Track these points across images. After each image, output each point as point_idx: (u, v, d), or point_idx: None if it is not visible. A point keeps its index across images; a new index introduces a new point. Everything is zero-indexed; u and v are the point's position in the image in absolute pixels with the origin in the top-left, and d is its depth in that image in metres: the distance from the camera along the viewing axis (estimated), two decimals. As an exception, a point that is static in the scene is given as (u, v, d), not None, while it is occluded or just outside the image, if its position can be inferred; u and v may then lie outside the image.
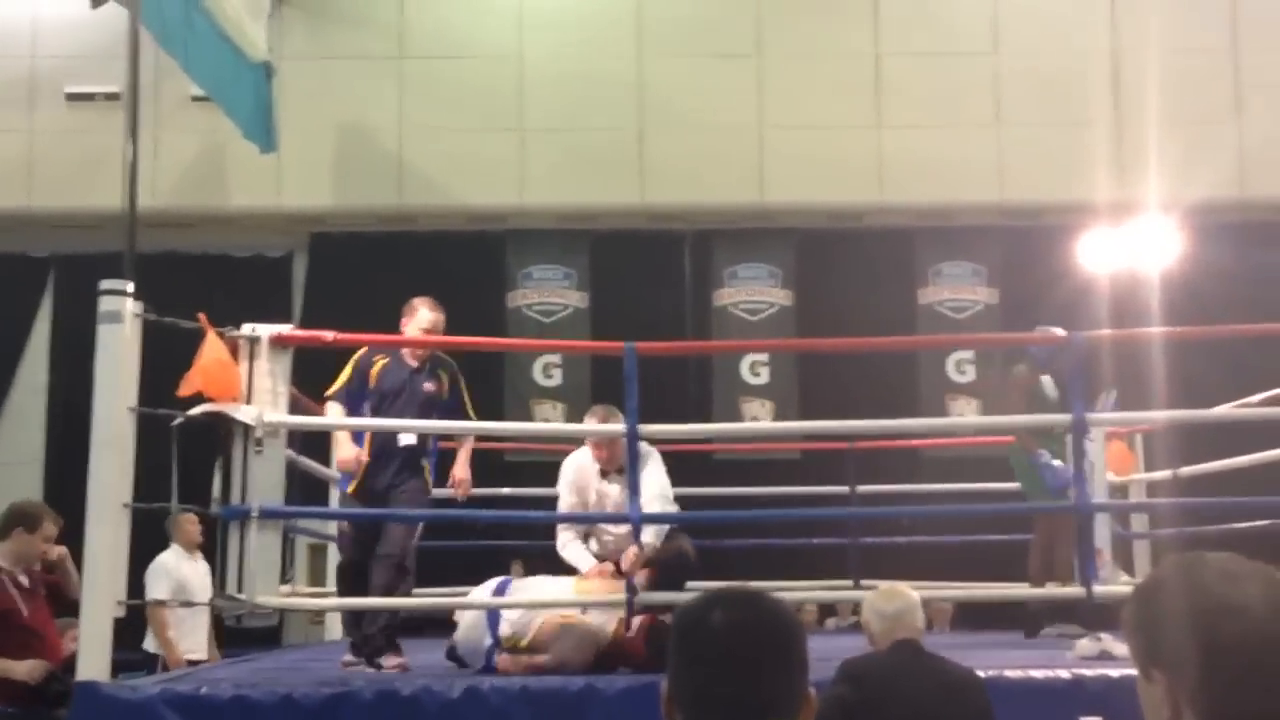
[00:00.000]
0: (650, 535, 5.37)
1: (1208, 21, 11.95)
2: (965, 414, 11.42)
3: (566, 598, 5.25)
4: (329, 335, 5.40)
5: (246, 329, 5.08)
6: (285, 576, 6.62)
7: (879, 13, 12.11)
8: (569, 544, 5.77)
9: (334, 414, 5.75)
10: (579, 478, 5.87)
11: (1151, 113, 10.99)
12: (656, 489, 5.46)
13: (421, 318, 5.92)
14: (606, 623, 5.15)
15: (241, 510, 4.86)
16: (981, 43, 12.01)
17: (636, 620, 5.07)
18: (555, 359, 11.83)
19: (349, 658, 5.58)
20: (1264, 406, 6.96)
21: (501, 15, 12.13)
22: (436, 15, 12.14)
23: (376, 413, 5.71)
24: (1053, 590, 5.98)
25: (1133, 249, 10.58)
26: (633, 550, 5.18)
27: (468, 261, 11.87)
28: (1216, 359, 9.49)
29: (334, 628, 8.01)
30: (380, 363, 5.85)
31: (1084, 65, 11.66)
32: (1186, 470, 7.65)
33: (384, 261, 11.71)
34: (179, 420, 4.88)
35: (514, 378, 11.75)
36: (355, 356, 5.86)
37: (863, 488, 8.10)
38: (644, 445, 5.53)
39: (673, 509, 5.65)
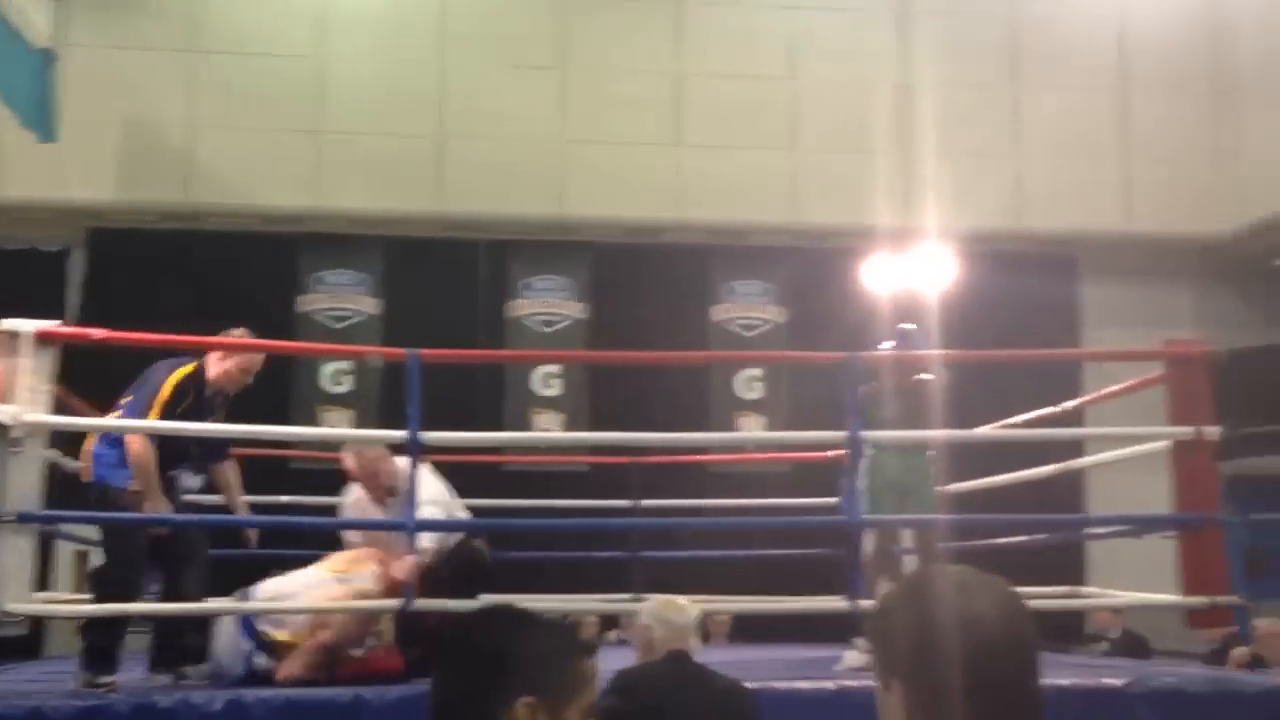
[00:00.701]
0: (426, 541, 5.32)
1: (987, 58, 12.50)
2: (753, 431, 11.63)
3: (323, 578, 5.20)
4: (97, 333, 5.20)
5: (6, 324, 4.85)
6: (44, 584, 6.35)
7: (681, 32, 12.30)
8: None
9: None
10: (357, 512, 5.82)
11: (933, 142, 11.46)
12: (426, 496, 5.39)
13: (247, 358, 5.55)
14: (372, 584, 5.11)
15: (-5, 514, 4.63)
16: (779, 68, 12.30)
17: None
18: (346, 366, 11.64)
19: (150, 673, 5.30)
20: (1027, 428, 7.25)
21: (301, 14, 11.91)
22: (232, 10, 11.85)
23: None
24: (819, 603, 6.11)
25: (913, 273, 10.96)
26: (409, 559, 5.12)
27: (258, 264, 11.58)
28: (987, 381, 9.89)
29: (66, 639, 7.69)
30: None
31: (873, 95, 12.05)
32: (956, 487, 7.93)
33: (169, 260, 11.36)
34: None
35: (302, 383, 11.51)
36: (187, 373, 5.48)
37: (647, 501, 8.17)
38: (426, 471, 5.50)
39: (445, 515, 5.59)
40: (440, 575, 5.36)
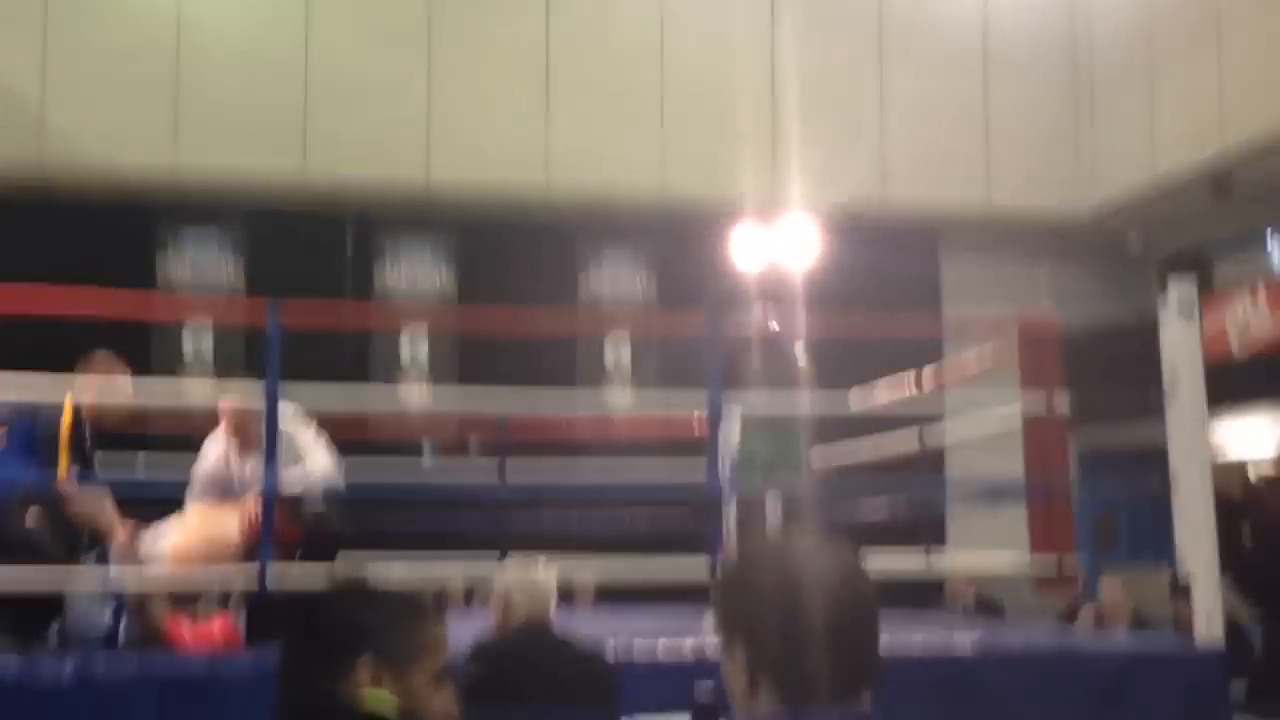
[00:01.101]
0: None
1: (855, 36, 12.66)
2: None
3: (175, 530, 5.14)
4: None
5: None
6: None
7: (551, 3, 12.22)
8: None
9: None
10: (217, 466, 5.72)
11: (799, 117, 11.61)
12: (320, 455, 5.40)
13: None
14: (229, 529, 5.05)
15: None
16: (648, 40, 12.31)
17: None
18: (207, 332, 11.39)
19: None
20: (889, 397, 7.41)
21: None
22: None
23: None
24: (678, 566, 6.17)
25: (779, 247, 11.10)
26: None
27: (114, 229, 11.25)
28: (850, 354, 10.07)
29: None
30: None
31: (741, 69, 12.13)
32: (820, 458, 8.06)
33: (20, 228, 10.96)
34: None
35: (162, 348, 11.23)
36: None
37: (515, 467, 8.18)
38: (290, 412, 5.46)
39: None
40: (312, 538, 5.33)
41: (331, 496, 5.54)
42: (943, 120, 12.65)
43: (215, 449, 5.77)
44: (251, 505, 5.16)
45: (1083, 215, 12.76)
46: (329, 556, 5.22)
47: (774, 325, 7.17)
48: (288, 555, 5.08)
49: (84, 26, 11.29)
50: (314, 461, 5.51)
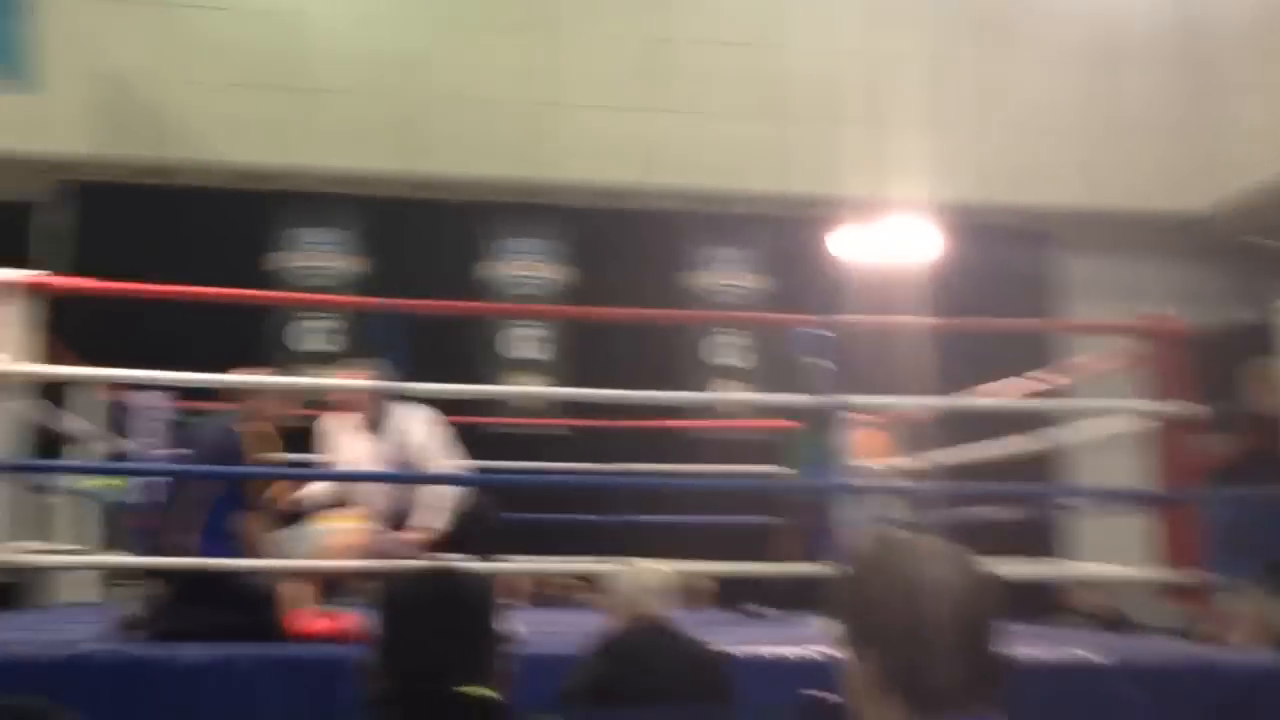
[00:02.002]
0: (437, 517, 5.39)
1: (965, 30, 12.49)
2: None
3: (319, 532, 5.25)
4: (87, 283, 5.18)
5: (-1, 274, 4.82)
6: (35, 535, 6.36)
7: (658, -1, 12.24)
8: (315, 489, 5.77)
9: None
10: (334, 433, 5.84)
11: (906, 114, 11.46)
12: (441, 451, 5.48)
13: None
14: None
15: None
16: (759, 33, 12.26)
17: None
18: (325, 324, 11.59)
19: None
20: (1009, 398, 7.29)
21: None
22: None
23: None
24: (802, 569, 6.13)
25: (892, 245, 10.99)
26: (412, 535, 5.21)
27: (230, 221, 11.49)
28: (964, 354, 9.93)
29: (82, 591, 7.69)
30: None
31: (850, 64, 12.01)
32: (937, 458, 7.97)
33: (140, 215, 11.24)
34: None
35: (280, 341, 11.46)
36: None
37: (626, 465, 8.20)
38: (421, 414, 5.55)
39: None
40: (461, 535, 5.41)
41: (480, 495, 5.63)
42: (1057, 114, 12.43)
43: (328, 421, 5.87)
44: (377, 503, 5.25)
45: (1204, 212, 12.44)
46: (482, 553, 5.32)
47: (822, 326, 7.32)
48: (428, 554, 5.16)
49: (205, 22, 11.54)
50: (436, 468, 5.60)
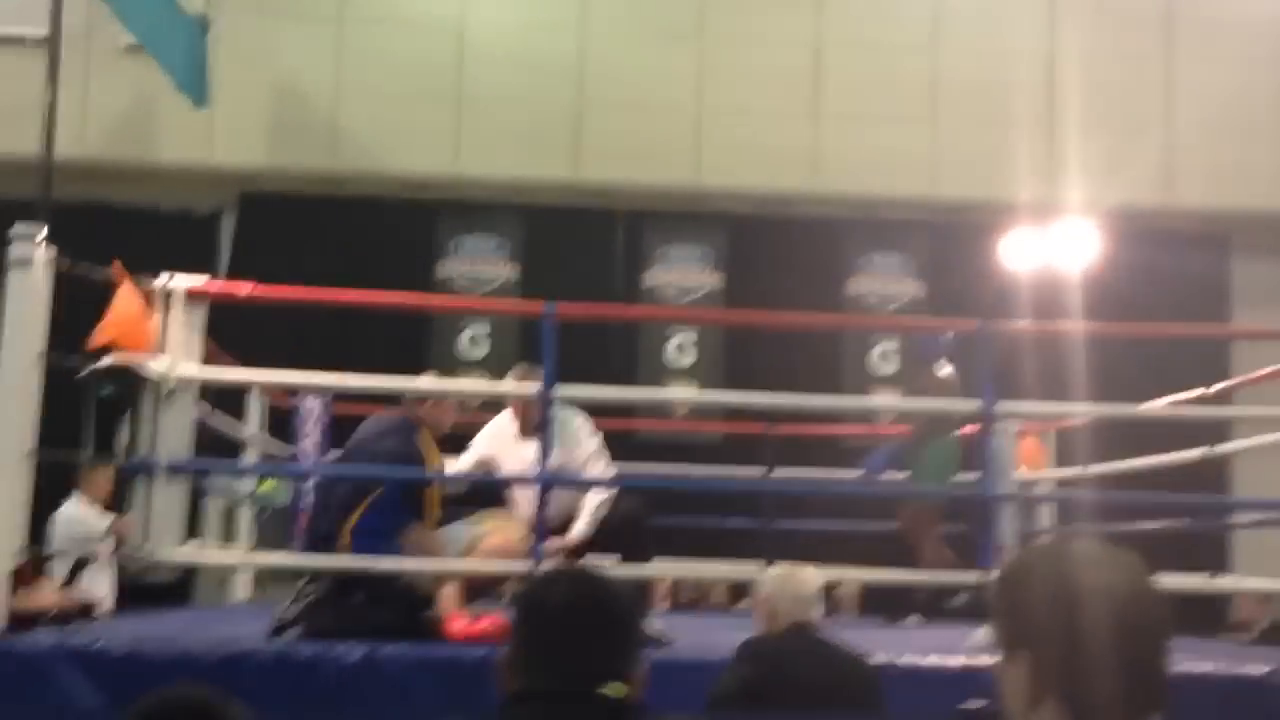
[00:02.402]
0: (584, 525, 5.46)
1: (1142, 28, 12.14)
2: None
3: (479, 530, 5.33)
4: (244, 288, 5.36)
5: (161, 281, 5.02)
6: (195, 535, 6.59)
7: (822, 2, 12.17)
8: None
9: None
10: (492, 439, 5.91)
11: (1081, 115, 11.20)
12: (594, 452, 5.56)
13: None
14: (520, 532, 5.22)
15: (147, 463, 4.81)
16: (921, 37, 12.11)
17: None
18: (484, 329, 11.81)
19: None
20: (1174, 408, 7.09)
21: (444, -16, 12.05)
22: (377, -21, 12.05)
23: None
24: (953, 577, 6.06)
25: (1056, 249, 10.75)
26: (556, 542, 5.28)
27: (398, 230, 11.81)
28: (1131, 360, 9.68)
29: (241, 589, 7.96)
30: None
31: (1018, 65, 11.78)
32: (1095, 468, 7.79)
33: (313, 225, 11.65)
34: (87, 371, 4.82)
35: (438, 348, 11.70)
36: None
37: (779, 472, 8.18)
38: (579, 420, 5.62)
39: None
40: (612, 535, 5.48)
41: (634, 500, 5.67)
42: (1234, 115, 11.97)
43: (498, 422, 5.95)
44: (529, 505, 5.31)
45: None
46: (643, 555, 5.39)
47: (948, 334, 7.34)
48: (574, 557, 5.22)
49: (375, 36, 11.87)
50: (593, 474, 5.65)
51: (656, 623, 5.22)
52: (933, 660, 4.64)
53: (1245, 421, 7.68)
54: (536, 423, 5.48)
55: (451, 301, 11.37)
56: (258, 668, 4.36)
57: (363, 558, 4.98)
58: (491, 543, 5.32)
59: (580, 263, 11.79)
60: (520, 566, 5.08)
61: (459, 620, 4.96)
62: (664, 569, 5.94)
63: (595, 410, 6.00)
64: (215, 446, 6.71)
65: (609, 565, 5.30)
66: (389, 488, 5.10)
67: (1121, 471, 7.53)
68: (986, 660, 4.57)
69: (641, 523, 5.62)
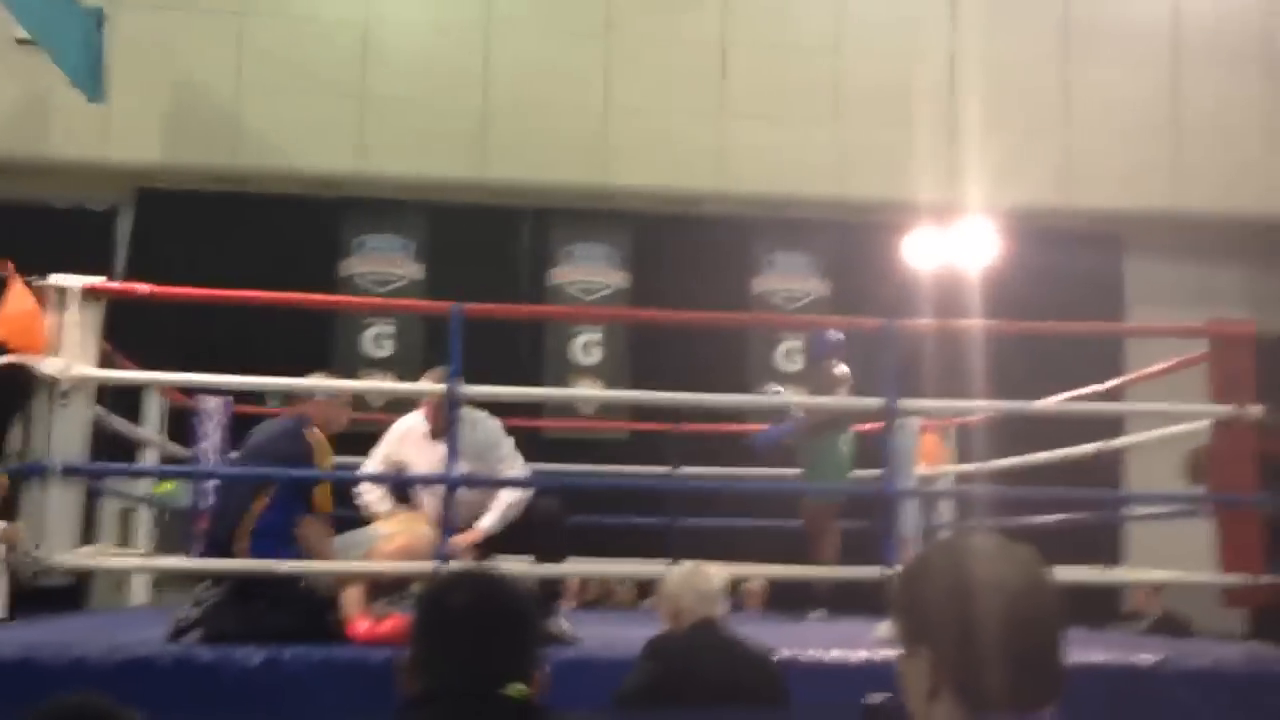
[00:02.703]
0: (492, 520, 5.42)
1: (1040, 32, 12.38)
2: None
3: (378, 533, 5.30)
4: (143, 288, 5.26)
5: (55, 279, 4.91)
6: (91, 539, 6.45)
7: (727, 2, 12.23)
8: (370, 496, 5.83)
9: None
10: (401, 439, 5.87)
11: (981, 117, 11.38)
12: (508, 451, 5.56)
13: None
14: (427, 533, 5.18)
15: (41, 466, 4.71)
16: (825, 38, 12.23)
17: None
18: (389, 329, 11.71)
19: None
20: (1068, 404, 7.23)
21: (348, -22, 11.93)
22: (278, -28, 11.89)
23: None
24: (856, 572, 6.12)
25: (957, 249, 10.92)
26: (465, 537, 5.25)
27: (302, 228, 11.67)
28: (1029, 357, 9.87)
29: (139, 593, 7.81)
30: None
31: (920, 67, 11.96)
32: (993, 463, 7.92)
33: (214, 222, 11.45)
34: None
35: (342, 347, 11.58)
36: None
37: (685, 469, 8.21)
38: (495, 422, 5.60)
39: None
40: (529, 534, 5.47)
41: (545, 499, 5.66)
42: (1130, 117, 12.26)
43: (407, 421, 5.91)
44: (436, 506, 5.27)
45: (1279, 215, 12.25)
46: (558, 554, 5.41)
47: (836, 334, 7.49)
48: (480, 557, 5.19)
49: (277, 31, 11.72)
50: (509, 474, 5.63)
51: (563, 622, 5.21)
52: (836, 655, 4.69)
53: (1138, 417, 7.84)
54: (443, 423, 5.46)
55: (356, 301, 11.27)
56: (156, 673, 4.28)
57: (263, 560, 4.91)
58: (398, 543, 5.28)
59: (486, 261, 11.74)
60: (426, 567, 5.04)
61: (363, 622, 4.92)
62: (571, 568, 5.93)
63: (502, 409, 5.98)
64: (112, 448, 6.58)
65: (521, 564, 5.30)
66: (283, 487, 5.06)
67: (1020, 467, 7.66)
68: (886, 653, 4.64)
69: (560, 522, 5.62)
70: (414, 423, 5.89)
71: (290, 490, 5.08)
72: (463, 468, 5.31)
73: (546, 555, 5.42)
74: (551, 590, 5.71)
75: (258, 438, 5.42)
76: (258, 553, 4.98)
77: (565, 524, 5.67)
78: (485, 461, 5.55)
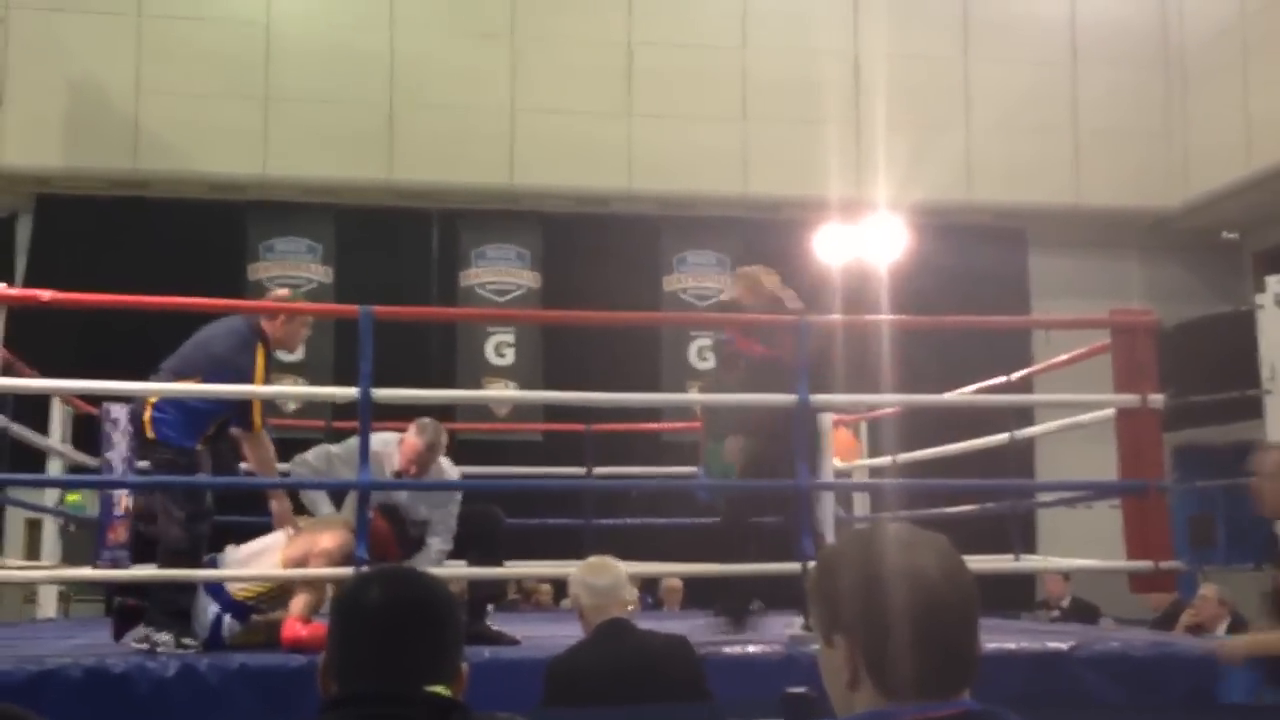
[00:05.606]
0: (439, 544, 5.49)
1: (940, 30, 12.56)
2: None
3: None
4: (46, 294, 5.15)
5: (-47, 287, 4.80)
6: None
7: (633, 1, 12.25)
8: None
9: None
10: (377, 459, 5.64)
11: (885, 114, 11.52)
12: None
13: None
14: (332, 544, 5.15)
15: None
16: (730, 37, 12.30)
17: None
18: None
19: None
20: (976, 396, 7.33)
21: (249, -22, 11.76)
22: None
23: None
24: (773, 568, 6.15)
25: (864, 245, 11.03)
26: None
27: (206, 232, 11.48)
28: (938, 351, 10.01)
29: (47, 606, 7.65)
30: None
31: (825, 65, 12.06)
32: (905, 456, 8.01)
33: (116, 228, 11.25)
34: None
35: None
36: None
37: (600, 469, 8.20)
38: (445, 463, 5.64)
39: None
40: (470, 537, 5.52)
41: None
42: (1030, 115, 12.48)
43: (385, 441, 5.81)
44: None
45: (1175, 209, 12.54)
46: (494, 557, 5.49)
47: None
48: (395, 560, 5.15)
49: (176, 31, 11.52)
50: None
51: (489, 623, 5.21)
52: (756, 648, 4.72)
53: (1046, 407, 7.98)
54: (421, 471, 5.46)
55: (264, 305, 11.06)
56: (67, 685, 4.20)
57: (180, 570, 4.84)
58: (321, 545, 5.21)
59: (395, 264, 11.65)
60: (345, 571, 4.99)
61: (292, 626, 4.86)
62: (487, 571, 5.90)
63: (415, 413, 5.92)
64: (17, 458, 6.44)
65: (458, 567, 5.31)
66: (208, 380, 5.02)
67: (932, 458, 7.76)
68: (805, 648, 4.68)
69: (497, 526, 5.62)
70: (390, 450, 5.76)
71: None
72: (422, 510, 5.47)
73: (483, 558, 5.40)
74: (489, 593, 5.68)
75: (210, 331, 5.37)
76: (157, 431, 5.01)
77: (503, 527, 5.68)
78: (444, 507, 5.59)
